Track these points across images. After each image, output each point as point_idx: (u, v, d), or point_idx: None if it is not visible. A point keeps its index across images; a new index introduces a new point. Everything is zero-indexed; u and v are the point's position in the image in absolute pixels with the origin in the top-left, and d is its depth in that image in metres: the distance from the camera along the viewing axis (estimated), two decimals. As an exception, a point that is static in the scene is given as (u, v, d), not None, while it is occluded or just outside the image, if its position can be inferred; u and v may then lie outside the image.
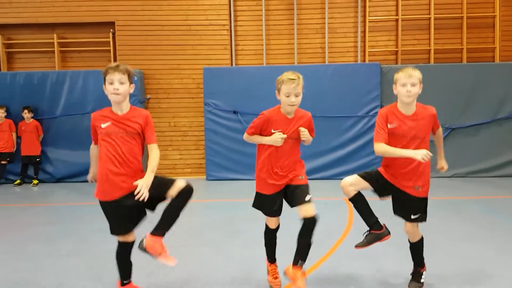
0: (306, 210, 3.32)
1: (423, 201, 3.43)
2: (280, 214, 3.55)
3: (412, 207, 3.41)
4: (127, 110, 3.21)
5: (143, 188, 2.95)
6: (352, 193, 3.44)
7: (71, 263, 4.30)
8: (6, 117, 8.87)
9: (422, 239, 3.55)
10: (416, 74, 3.31)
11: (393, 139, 3.35)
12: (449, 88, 8.86)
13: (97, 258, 4.39)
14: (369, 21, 9.46)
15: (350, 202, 3.50)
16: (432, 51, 9.43)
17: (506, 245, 4.69)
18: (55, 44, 9.46)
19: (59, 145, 9.02)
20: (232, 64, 9.50)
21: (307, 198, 3.37)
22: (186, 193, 3.13)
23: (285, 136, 3.39)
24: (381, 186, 3.47)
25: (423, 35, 9.52)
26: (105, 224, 3.20)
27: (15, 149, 8.89)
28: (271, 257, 3.73)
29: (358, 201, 3.48)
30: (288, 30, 9.58)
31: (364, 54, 9.54)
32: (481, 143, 8.88)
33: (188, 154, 9.61)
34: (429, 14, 9.43)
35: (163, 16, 9.38)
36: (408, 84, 3.27)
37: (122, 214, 3.14)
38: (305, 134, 3.46)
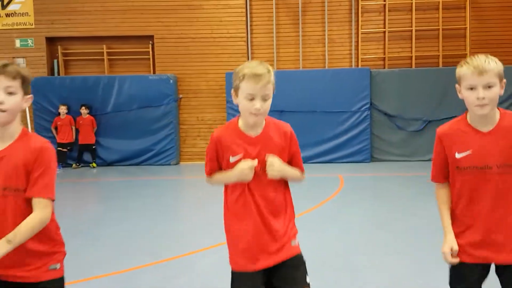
0: None
1: None
2: None
3: None
4: (12, 140, 1.89)
5: None
6: None
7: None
8: (66, 113, 10.69)
9: None
10: (492, 67, 1.94)
11: (475, 175, 2.01)
12: (428, 88, 10.46)
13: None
14: (361, 33, 11.05)
15: None
16: (413, 58, 10.98)
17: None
18: (104, 53, 11.16)
19: (110, 135, 10.78)
20: (248, 69, 11.19)
21: (308, 280, 2.09)
22: None
23: (255, 163, 2.04)
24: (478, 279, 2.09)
25: (406, 44, 11.06)
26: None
27: (74, 140, 10.68)
28: None
29: None
30: (295, 40, 11.21)
31: (357, 60, 11.14)
32: (452, 133, 10.46)
33: (212, 143, 11.34)
34: (411, 26, 10.97)
35: (192, 30, 11.06)
36: (479, 86, 1.93)
37: None
38: (273, 166, 2.04)
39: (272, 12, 11.11)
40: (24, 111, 8.84)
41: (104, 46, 11.18)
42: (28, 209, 1.85)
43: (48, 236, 1.93)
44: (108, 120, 10.76)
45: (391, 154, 10.62)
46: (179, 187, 8.67)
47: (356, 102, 10.51)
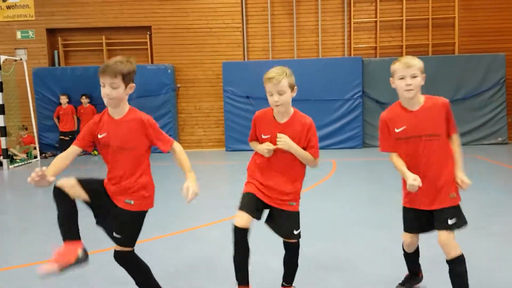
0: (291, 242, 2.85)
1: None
2: (259, 218, 2.81)
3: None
4: (123, 114, 2.61)
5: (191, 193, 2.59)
6: (414, 248, 2.96)
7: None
8: (68, 103, 11.02)
9: (463, 256, 2.64)
10: (416, 63, 2.65)
11: (410, 144, 2.70)
12: (417, 76, 10.87)
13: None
14: (353, 23, 11.38)
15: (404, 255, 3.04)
16: (404, 46, 11.34)
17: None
18: (104, 44, 11.45)
19: (110, 124, 11.12)
20: (244, 59, 11.52)
21: (295, 232, 2.79)
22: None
23: (273, 147, 2.74)
24: (421, 223, 2.81)
25: (397, 34, 11.41)
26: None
27: (76, 129, 11.00)
28: (243, 279, 2.78)
29: (414, 253, 3.02)
30: (289, 30, 11.54)
31: (349, 50, 11.50)
32: (441, 119, 10.91)
33: (210, 131, 11.72)
34: (402, 16, 11.30)
35: (189, 21, 11.35)
36: (407, 76, 2.63)
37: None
38: (281, 139, 2.72)
39: (267, 3, 11.39)
40: (27, 101, 9.03)
41: (103, 37, 11.44)
42: (140, 160, 2.65)
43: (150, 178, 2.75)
44: (108, 109, 11.05)
45: (382, 140, 11.03)
46: (180, 172, 9.00)
47: (349, 90, 10.88)
